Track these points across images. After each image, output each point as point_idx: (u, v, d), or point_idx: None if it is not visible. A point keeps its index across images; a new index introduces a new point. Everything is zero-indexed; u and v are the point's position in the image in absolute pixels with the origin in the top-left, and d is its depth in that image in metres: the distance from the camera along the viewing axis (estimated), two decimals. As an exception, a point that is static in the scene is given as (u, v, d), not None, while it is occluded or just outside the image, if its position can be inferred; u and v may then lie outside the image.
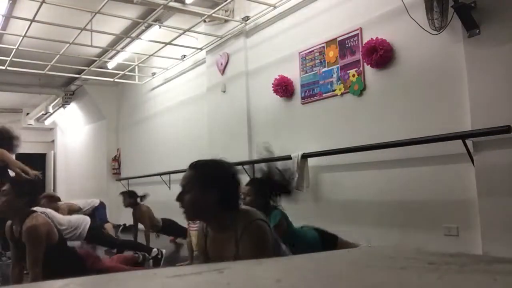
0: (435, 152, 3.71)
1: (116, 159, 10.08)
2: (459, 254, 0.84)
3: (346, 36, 4.56)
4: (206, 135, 6.67)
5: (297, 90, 5.13)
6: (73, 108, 11.13)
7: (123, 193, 6.27)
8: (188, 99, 7.44)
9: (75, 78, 8.98)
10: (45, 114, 11.57)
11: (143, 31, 6.51)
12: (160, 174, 7.85)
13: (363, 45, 4.28)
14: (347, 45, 4.55)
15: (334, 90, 4.66)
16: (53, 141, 13.44)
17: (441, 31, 3.49)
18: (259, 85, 5.70)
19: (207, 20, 5.99)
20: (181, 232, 5.62)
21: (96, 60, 7.61)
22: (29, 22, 5.35)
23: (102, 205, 6.97)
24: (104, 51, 7.40)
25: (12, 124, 12.85)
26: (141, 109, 9.13)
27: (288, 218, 3.45)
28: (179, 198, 1.99)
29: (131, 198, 6.05)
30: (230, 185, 2.04)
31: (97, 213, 6.64)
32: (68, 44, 6.19)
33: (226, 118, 6.20)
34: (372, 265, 0.78)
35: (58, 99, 10.59)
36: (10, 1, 5.45)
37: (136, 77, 8.37)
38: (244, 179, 5.72)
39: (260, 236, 1.93)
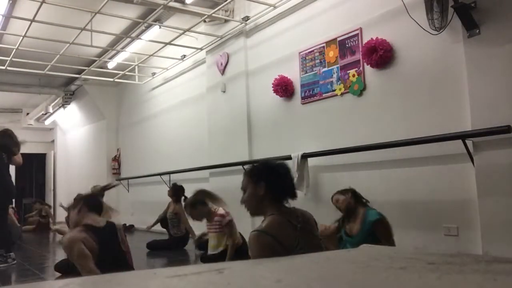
0: (435, 152, 3.71)
1: (116, 159, 10.08)
2: (459, 254, 0.84)
3: (346, 36, 4.56)
4: (206, 135, 6.67)
5: (297, 90, 5.13)
6: (73, 108, 11.13)
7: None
8: (188, 99, 7.44)
9: (75, 78, 8.98)
10: (45, 114, 11.57)
11: (143, 31, 6.51)
12: (160, 174, 7.85)
13: (363, 45, 4.28)
14: (347, 45, 4.55)
15: (334, 90, 4.66)
16: (53, 141, 13.44)
17: (441, 31, 3.49)
18: (259, 85, 5.71)
19: (207, 20, 5.99)
20: None
21: (96, 60, 7.61)
22: (29, 22, 5.35)
23: None
24: (104, 51, 7.41)
25: (12, 124, 12.91)
26: (141, 109, 9.14)
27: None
28: None
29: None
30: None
31: None
32: (68, 44, 6.19)
33: (226, 118, 6.20)
34: (372, 265, 0.78)
35: (58, 99, 10.59)
36: (10, 1, 5.45)
37: (136, 77, 8.38)
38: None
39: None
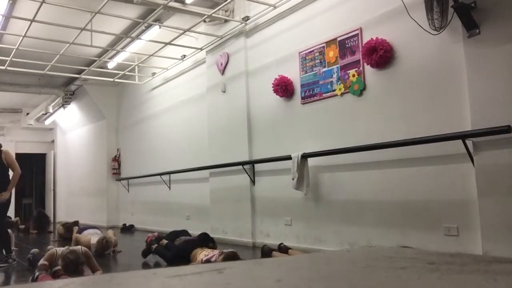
0: (435, 152, 3.71)
1: (116, 159, 10.08)
2: (459, 254, 0.84)
3: (346, 36, 4.56)
4: (206, 135, 6.67)
5: (297, 90, 5.13)
6: (73, 108, 11.14)
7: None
8: (188, 99, 7.45)
9: (75, 78, 8.98)
10: (45, 114, 11.57)
11: (143, 31, 6.51)
12: (160, 174, 7.86)
13: (363, 45, 4.28)
14: (347, 45, 4.55)
15: (334, 90, 4.66)
16: (53, 141, 13.45)
17: (441, 31, 3.49)
18: (259, 85, 5.71)
19: (207, 20, 5.99)
20: None
21: (96, 60, 7.61)
22: (29, 22, 5.35)
23: None
24: (104, 51, 7.41)
25: (12, 124, 12.89)
26: (141, 109, 9.14)
27: None
28: None
29: None
30: None
31: None
32: (68, 44, 6.19)
33: (226, 118, 6.20)
34: (372, 265, 0.78)
35: (58, 99, 10.59)
36: (10, 1, 5.45)
37: (136, 77, 8.38)
38: (244, 179, 5.74)
39: None
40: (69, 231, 6.99)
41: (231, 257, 3.92)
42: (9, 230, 5.85)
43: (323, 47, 4.81)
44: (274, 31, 5.52)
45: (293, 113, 5.18)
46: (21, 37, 5.87)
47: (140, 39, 6.62)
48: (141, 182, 8.79)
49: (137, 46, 7.12)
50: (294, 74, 5.16)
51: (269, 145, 5.49)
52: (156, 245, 4.97)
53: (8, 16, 5.83)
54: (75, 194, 11.93)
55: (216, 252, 4.17)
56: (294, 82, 5.16)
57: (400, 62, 4.06)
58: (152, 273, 0.72)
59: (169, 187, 7.86)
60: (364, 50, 4.23)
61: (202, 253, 4.24)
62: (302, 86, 5.05)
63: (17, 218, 10.43)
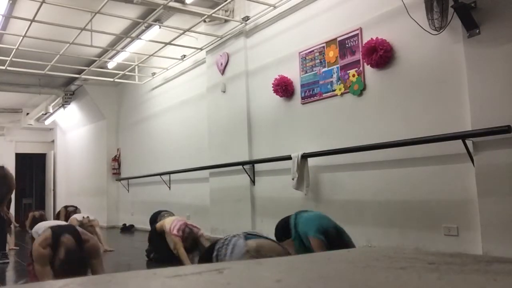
0: (435, 152, 3.71)
1: (116, 159, 10.08)
2: (459, 254, 0.84)
3: (346, 36, 4.56)
4: (206, 135, 6.68)
5: (297, 90, 5.13)
6: (73, 108, 11.14)
7: None
8: (188, 99, 7.45)
9: (75, 78, 8.98)
10: (45, 114, 11.56)
11: (143, 31, 6.51)
12: (160, 174, 7.86)
13: (363, 45, 4.28)
14: (347, 45, 4.55)
15: (334, 90, 4.66)
16: (53, 141, 13.45)
17: (441, 31, 3.49)
18: (259, 85, 5.71)
19: (207, 20, 5.99)
20: None
21: (96, 60, 7.61)
22: (29, 22, 5.35)
23: None
24: (104, 51, 7.41)
25: (12, 124, 12.88)
26: (141, 109, 9.14)
27: None
28: None
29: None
30: None
31: None
32: (68, 44, 6.19)
33: (226, 118, 6.20)
34: (372, 265, 0.78)
35: (58, 99, 10.59)
36: (10, 1, 5.45)
37: (136, 77, 8.38)
38: (244, 179, 5.74)
39: None
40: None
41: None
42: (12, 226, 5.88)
43: (323, 47, 4.81)
44: (274, 31, 5.52)
45: (293, 113, 5.18)
46: (21, 37, 5.87)
47: (140, 39, 6.62)
48: (141, 182, 8.79)
49: (137, 46, 7.12)
50: (294, 74, 5.16)
51: (269, 145, 5.49)
52: (153, 253, 4.97)
53: (8, 16, 5.83)
54: (75, 194, 11.93)
55: (181, 220, 4.66)
56: (294, 82, 5.16)
57: (400, 62, 4.06)
58: (152, 273, 0.72)
59: (169, 187, 7.86)
60: (364, 50, 4.23)
61: (168, 221, 4.65)
62: (302, 86, 5.05)
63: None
